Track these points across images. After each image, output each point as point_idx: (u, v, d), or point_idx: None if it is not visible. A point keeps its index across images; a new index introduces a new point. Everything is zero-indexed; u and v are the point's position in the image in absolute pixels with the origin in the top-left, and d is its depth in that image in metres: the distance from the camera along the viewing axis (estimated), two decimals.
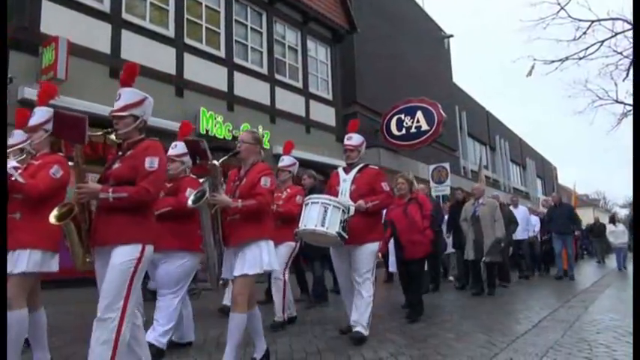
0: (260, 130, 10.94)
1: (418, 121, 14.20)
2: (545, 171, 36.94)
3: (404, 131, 14.27)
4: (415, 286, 5.32)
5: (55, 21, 7.70)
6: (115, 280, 2.49)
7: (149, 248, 2.65)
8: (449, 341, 4.13)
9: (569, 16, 12.70)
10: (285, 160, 5.26)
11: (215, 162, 3.22)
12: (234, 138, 10.16)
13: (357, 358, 3.59)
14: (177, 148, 4.11)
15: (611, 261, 17.24)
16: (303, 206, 4.07)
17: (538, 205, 23.95)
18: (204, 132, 9.74)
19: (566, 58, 12.36)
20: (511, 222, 8.53)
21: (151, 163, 2.66)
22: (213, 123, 10.00)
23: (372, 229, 4.26)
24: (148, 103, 2.81)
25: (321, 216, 3.84)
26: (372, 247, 4.22)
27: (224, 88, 10.76)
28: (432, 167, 14.69)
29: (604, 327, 4.66)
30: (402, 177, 5.39)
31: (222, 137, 10.10)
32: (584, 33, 12.53)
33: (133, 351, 2.68)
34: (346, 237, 3.90)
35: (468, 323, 5.02)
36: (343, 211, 3.94)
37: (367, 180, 4.33)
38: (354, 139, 4.48)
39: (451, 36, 22.60)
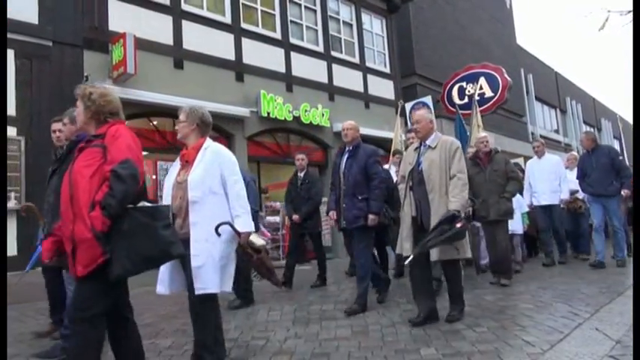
0: (320, 108, 11.01)
1: (481, 88, 13.62)
2: (623, 131, 34.47)
3: (466, 99, 13.76)
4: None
5: (121, 18, 8.07)
6: None
7: None
8: (527, 312, 4.04)
9: None
10: None
11: None
12: (295, 119, 10.32)
13: (433, 330, 3.60)
14: None
15: None
16: None
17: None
18: (266, 115, 9.91)
19: None
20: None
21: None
22: (274, 105, 10.13)
23: None
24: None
25: None
26: None
27: (282, 69, 10.85)
28: (409, 105, 10.27)
29: None
30: (80, 89, 2.64)
31: (282, 119, 10.23)
32: None
33: None
34: None
35: (547, 294, 4.86)
36: None
37: None
38: None
39: None
